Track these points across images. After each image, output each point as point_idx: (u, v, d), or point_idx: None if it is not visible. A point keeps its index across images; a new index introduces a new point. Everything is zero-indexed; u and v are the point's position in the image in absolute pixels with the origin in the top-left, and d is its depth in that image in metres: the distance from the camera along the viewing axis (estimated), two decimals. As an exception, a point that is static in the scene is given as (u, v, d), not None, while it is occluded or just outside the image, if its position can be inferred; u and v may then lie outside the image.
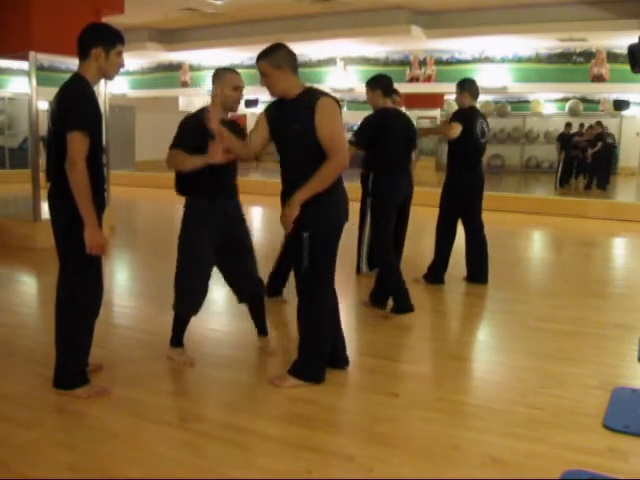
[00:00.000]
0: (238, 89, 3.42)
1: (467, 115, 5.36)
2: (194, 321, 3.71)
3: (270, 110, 3.27)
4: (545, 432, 2.83)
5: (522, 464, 2.57)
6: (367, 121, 4.79)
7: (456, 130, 5.20)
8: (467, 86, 5.45)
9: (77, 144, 2.89)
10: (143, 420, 2.91)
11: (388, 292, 4.69)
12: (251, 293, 3.76)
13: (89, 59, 3.02)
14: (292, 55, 3.16)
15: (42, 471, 2.47)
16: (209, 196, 3.45)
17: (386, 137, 4.68)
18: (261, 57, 3.14)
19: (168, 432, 2.84)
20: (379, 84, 4.81)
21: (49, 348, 3.21)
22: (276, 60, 3.10)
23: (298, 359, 3.34)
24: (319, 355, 3.32)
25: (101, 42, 3.01)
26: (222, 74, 3.43)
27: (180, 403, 3.19)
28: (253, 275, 3.72)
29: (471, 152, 5.42)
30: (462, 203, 5.49)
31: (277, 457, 2.62)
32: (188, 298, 3.58)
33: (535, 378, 3.49)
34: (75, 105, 2.95)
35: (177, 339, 3.67)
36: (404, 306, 4.56)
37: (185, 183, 3.48)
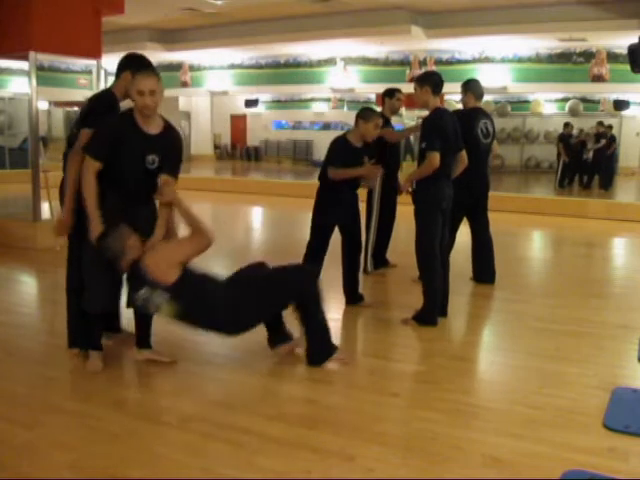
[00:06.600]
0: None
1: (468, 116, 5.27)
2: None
3: None
4: (545, 432, 2.83)
5: (522, 464, 2.57)
6: (431, 125, 4.33)
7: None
8: (471, 87, 5.36)
9: (85, 139, 3.31)
10: (143, 420, 2.91)
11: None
12: None
13: (119, 80, 3.58)
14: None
15: (42, 471, 2.48)
16: None
17: (442, 140, 4.29)
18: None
19: (168, 432, 2.84)
20: (429, 81, 4.34)
21: (49, 348, 3.22)
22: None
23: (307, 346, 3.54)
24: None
25: (129, 68, 3.51)
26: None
27: (180, 403, 3.19)
28: None
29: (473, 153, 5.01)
30: (468, 204, 5.32)
31: (277, 457, 2.62)
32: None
33: (535, 378, 3.49)
34: (94, 107, 3.46)
35: None
36: (428, 318, 4.34)
37: None
